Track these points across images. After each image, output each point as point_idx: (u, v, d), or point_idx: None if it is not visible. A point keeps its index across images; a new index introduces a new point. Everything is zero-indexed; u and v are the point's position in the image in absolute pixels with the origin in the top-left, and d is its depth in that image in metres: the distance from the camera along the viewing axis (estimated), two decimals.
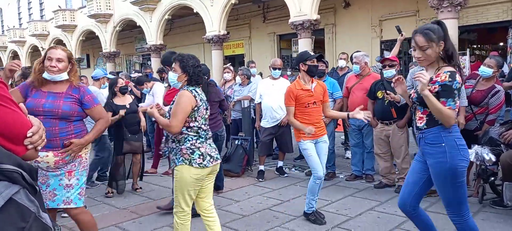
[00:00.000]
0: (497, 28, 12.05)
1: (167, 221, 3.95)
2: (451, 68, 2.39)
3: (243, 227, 3.75)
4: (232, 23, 16.01)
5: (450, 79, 2.33)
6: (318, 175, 3.68)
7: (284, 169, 5.83)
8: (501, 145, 3.91)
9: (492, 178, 4.02)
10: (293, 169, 6.07)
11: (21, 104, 1.62)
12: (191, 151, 2.71)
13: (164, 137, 3.02)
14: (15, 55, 29.00)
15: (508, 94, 7.80)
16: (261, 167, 5.61)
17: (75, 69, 2.90)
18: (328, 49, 14.36)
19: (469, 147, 3.99)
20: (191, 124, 2.73)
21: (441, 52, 2.41)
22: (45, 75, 2.77)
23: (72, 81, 2.86)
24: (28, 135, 1.28)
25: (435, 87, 2.37)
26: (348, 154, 6.31)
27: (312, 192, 3.74)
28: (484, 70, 4.23)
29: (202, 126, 2.79)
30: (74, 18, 21.77)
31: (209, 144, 2.82)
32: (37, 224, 1.20)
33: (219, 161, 2.87)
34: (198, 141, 2.75)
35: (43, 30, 24.42)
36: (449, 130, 2.40)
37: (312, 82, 3.78)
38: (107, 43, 19.49)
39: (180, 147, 2.74)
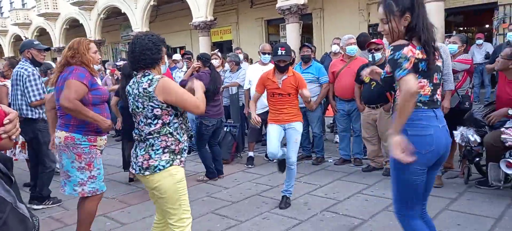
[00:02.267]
0: (482, 10, 12.14)
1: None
2: (399, 42, 2.05)
3: (232, 213, 3.76)
4: (219, 8, 15.82)
5: (392, 52, 2.02)
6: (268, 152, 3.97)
7: None
8: (485, 126, 3.96)
9: (477, 159, 4.08)
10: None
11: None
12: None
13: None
14: None
15: (492, 75, 7.91)
16: (251, 153, 5.62)
17: None
18: (317, 33, 14.33)
19: (454, 129, 4.05)
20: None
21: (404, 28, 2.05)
22: (96, 67, 3.15)
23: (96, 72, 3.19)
24: (4, 122, 1.25)
25: (387, 66, 2.09)
26: (337, 138, 6.34)
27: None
28: (451, 46, 4.40)
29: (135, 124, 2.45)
30: (56, 5, 21.27)
31: (134, 147, 2.42)
32: (14, 215, 1.18)
33: (132, 171, 2.40)
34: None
35: (25, 19, 23.85)
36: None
37: (286, 74, 3.82)
38: (92, 32, 19.13)
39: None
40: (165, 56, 2.50)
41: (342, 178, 4.74)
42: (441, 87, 2.16)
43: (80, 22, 19.85)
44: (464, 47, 4.50)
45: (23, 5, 25.38)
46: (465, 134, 3.93)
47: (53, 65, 6.20)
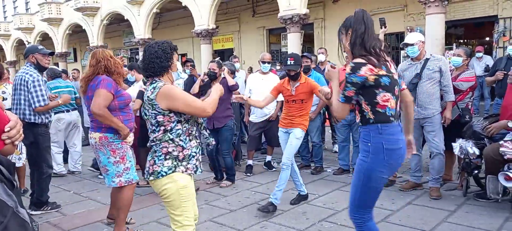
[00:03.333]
0: (483, 23, 12.21)
1: (154, 217, 3.94)
2: (359, 60, 2.17)
3: (230, 222, 3.75)
4: (221, 17, 15.93)
5: (349, 71, 2.17)
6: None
7: (272, 163, 5.84)
8: (485, 139, 3.97)
9: (476, 171, 4.08)
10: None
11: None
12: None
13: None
14: (0, 49, 28.45)
15: (492, 88, 7.92)
16: (249, 162, 5.62)
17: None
18: (318, 43, 14.39)
19: (453, 141, 4.06)
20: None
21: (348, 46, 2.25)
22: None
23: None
24: (5, 130, 1.27)
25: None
26: (336, 148, 6.34)
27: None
28: (455, 60, 4.45)
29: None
30: (60, 11, 21.43)
31: None
32: (15, 219, 1.19)
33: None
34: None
35: (28, 23, 24.00)
36: (379, 130, 2.20)
37: (297, 82, 4.05)
38: (95, 37, 19.24)
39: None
40: (178, 63, 2.57)
41: (341, 188, 4.73)
42: (399, 98, 2.32)
43: (83, 27, 19.97)
44: (468, 60, 4.53)
45: (27, 10, 25.56)
46: (464, 146, 3.94)
47: (57, 69, 6.23)
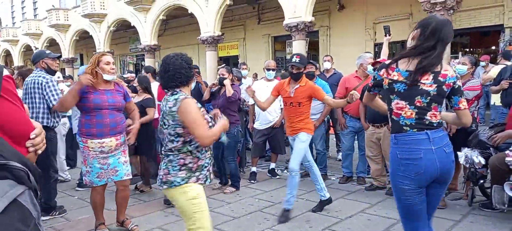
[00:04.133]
0: (489, 32, 12.17)
1: (156, 223, 3.94)
2: (387, 62, 2.32)
3: (233, 229, 3.74)
4: (227, 24, 16.01)
5: (377, 69, 2.36)
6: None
7: (276, 170, 5.84)
8: (490, 148, 3.94)
9: (481, 181, 4.05)
10: (285, 171, 6.06)
11: (25, 106, 1.62)
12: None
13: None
14: (7, 55, 28.77)
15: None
16: (253, 169, 5.62)
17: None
18: (323, 51, 14.40)
19: (459, 150, 4.03)
20: (188, 138, 2.41)
21: None
22: (107, 77, 3.37)
23: (118, 81, 3.64)
24: (31, 137, 1.23)
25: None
26: (340, 155, 6.32)
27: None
28: (460, 68, 4.39)
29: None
30: (67, 17, 21.65)
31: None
32: (35, 230, 1.12)
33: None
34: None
35: (36, 29, 24.27)
36: (394, 140, 2.22)
37: (297, 83, 3.99)
38: (101, 43, 19.41)
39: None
40: None
41: (345, 196, 4.71)
42: (433, 111, 2.17)
43: (90, 34, 20.15)
44: (473, 69, 4.51)
45: (35, 16, 25.87)
46: (470, 155, 3.91)
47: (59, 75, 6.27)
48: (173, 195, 2.38)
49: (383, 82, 2.21)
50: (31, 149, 1.23)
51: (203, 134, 2.29)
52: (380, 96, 2.50)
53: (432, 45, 2.12)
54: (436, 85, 2.14)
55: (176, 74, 2.36)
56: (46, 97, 4.03)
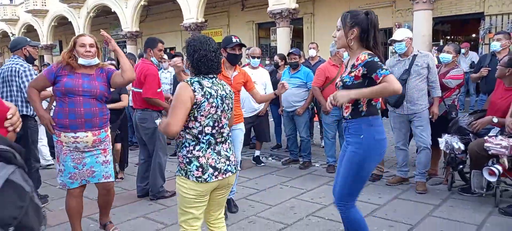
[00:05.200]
0: (469, 20, 12.38)
1: (141, 212, 3.91)
2: (369, 52, 2.33)
3: None
4: (210, 10, 15.82)
5: (369, 56, 2.28)
6: None
7: (261, 158, 5.85)
8: (470, 134, 4.03)
9: (461, 166, 4.15)
10: (270, 158, 6.10)
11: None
12: (187, 160, 2.17)
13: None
14: None
15: (477, 84, 8.04)
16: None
17: (100, 53, 3.09)
18: (307, 38, 14.42)
19: (439, 136, 4.11)
20: (190, 125, 2.17)
21: (352, 40, 2.34)
22: (81, 61, 2.91)
23: (102, 65, 3.08)
24: (8, 117, 1.27)
25: (359, 70, 2.31)
26: (324, 142, 6.38)
27: None
28: (444, 56, 4.51)
29: (206, 130, 2.18)
30: (45, 2, 21.00)
31: (216, 153, 2.20)
32: (32, 205, 1.20)
33: (230, 174, 2.26)
34: (197, 148, 2.17)
35: (12, 15, 23.49)
36: (370, 122, 2.36)
37: (234, 70, 3.70)
38: (81, 30, 18.92)
39: (178, 153, 2.26)
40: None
41: (329, 182, 4.76)
42: None
43: (69, 20, 19.62)
44: (457, 57, 4.59)
45: (11, 1, 24.98)
46: (450, 141, 3.99)
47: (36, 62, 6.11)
48: (233, 179, 2.33)
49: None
50: (10, 129, 1.28)
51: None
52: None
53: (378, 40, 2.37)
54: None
55: (217, 56, 2.26)
56: (22, 86, 3.91)
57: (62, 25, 21.19)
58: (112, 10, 17.34)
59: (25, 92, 3.91)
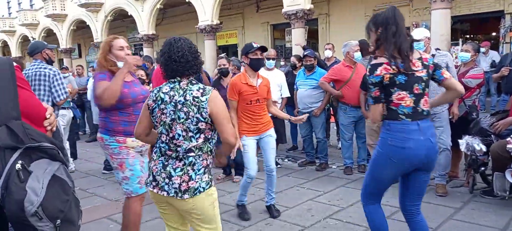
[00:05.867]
0: (489, 18, 12.10)
1: (158, 213, 3.94)
2: (376, 61, 2.25)
3: (235, 218, 3.75)
4: (225, 12, 15.88)
5: (368, 73, 2.28)
6: (250, 174, 3.59)
7: (277, 159, 5.83)
8: (492, 135, 3.94)
9: (483, 168, 4.05)
10: (286, 160, 6.08)
11: None
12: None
13: None
14: (5, 45, 28.56)
15: (498, 84, 7.86)
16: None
17: None
18: (322, 39, 14.32)
19: (460, 137, 4.03)
20: (157, 130, 2.11)
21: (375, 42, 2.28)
22: (121, 64, 2.75)
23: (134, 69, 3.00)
24: (47, 116, 1.37)
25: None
26: (340, 144, 6.32)
27: (243, 188, 3.74)
28: (463, 55, 4.41)
29: (162, 137, 2.05)
30: (64, 7, 21.45)
31: (162, 165, 2.03)
32: (74, 199, 1.31)
33: (165, 194, 2.01)
34: (154, 151, 2.13)
35: (33, 19, 24.06)
36: (387, 127, 2.32)
37: (257, 77, 3.58)
38: (99, 33, 19.26)
39: None
40: None
41: (346, 184, 4.72)
42: (425, 96, 2.31)
43: (87, 23, 19.99)
44: (476, 56, 4.49)
45: (31, 6, 25.61)
46: (471, 143, 3.91)
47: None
48: (196, 203, 2.00)
49: (383, 79, 2.23)
50: (49, 128, 1.38)
51: (232, 130, 2.06)
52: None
53: (395, 30, 2.22)
54: (425, 70, 2.28)
55: (195, 60, 2.05)
56: (53, 90, 3.99)
57: (80, 29, 21.61)
58: (129, 14, 17.58)
59: (56, 97, 3.99)
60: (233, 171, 5.23)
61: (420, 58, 2.28)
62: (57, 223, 1.21)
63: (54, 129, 1.40)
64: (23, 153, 1.21)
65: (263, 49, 3.57)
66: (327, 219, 3.67)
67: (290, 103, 5.80)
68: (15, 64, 1.31)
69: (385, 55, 2.24)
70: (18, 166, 1.17)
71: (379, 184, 2.47)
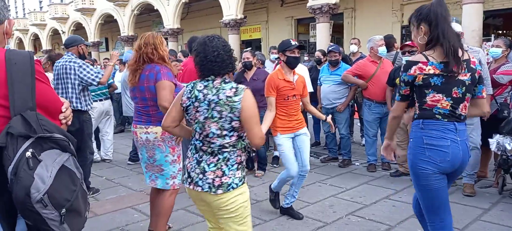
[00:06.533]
0: None
1: (182, 204, 4.00)
2: (412, 58, 2.13)
3: (256, 212, 3.77)
4: (249, 7, 15.86)
5: (402, 69, 2.15)
6: (290, 174, 3.52)
7: None
8: None
9: None
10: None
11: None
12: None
13: None
14: (36, 38, 29.56)
15: None
16: (276, 153, 5.61)
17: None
18: (347, 34, 14.10)
19: (490, 136, 3.89)
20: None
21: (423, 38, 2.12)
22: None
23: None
24: (62, 110, 1.41)
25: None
26: (364, 141, 6.23)
27: (281, 181, 3.67)
28: (494, 51, 4.26)
29: (196, 135, 2.08)
30: (93, 1, 21.97)
31: (196, 161, 2.06)
32: (81, 190, 1.35)
33: (200, 189, 2.02)
34: (189, 148, 2.15)
35: (63, 13, 24.76)
36: (420, 126, 2.15)
37: (293, 74, 3.54)
38: (125, 27, 19.64)
39: None
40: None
41: (369, 182, 4.65)
42: (466, 102, 2.14)
43: (115, 17, 20.42)
44: (508, 52, 4.32)
45: (62, 0, 26.38)
46: (501, 142, 3.77)
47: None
48: (227, 200, 2.00)
49: (416, 80, 2.10)
50: (64, 121, 1.41)
51: (262, 133, 2.04)
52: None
53: (445, 28, 2.08)
54: (470, 74, 2.12)
55: (229, 58, 2.06)
56: (84, 77, 4.11)
57: (108, 23, 22.09)
58: (155, 8, 17.83)
59: (92, 80, 4.13)
60: (255, 165, 5.24)
61: (467, 60, 2.11)
62: (62, 211, 1.24)
63: (70, 122, 1.43)
64: (35, 142, 1.24)
65: (300, 47, 3.54)
66: (349, 215, 3.63)
67: (313, 99, 5.74)
68: (35, 58, 1.36)
69: (424, 53, 2.09)
70: (28, 153, 1.21)
71: (431, 194, 2.16)
